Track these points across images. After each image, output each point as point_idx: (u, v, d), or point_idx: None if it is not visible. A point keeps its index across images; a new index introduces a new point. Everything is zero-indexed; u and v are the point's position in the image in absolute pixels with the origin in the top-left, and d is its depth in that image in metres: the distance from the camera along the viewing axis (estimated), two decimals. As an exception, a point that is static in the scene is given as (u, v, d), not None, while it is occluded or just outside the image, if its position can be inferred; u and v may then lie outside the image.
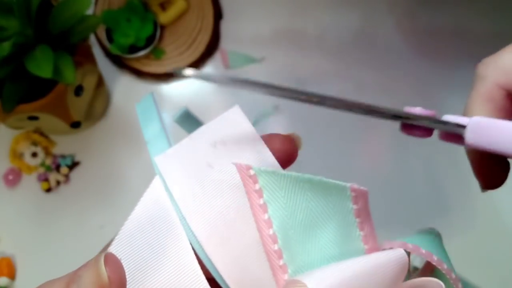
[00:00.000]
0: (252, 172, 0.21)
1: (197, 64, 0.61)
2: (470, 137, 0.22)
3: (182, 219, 0.23)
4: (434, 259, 0.23)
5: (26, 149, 0.58)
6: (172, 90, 0.62)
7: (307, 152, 0.56)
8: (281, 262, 0.21)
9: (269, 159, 0.24)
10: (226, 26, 0.63)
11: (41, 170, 0.59)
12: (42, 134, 0.59)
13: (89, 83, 0.53)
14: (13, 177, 0.58)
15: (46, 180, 0.58)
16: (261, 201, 0.22)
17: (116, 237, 0.23)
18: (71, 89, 0.51)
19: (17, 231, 0.58)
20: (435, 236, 0.26)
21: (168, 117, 0.61)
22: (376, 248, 0.24)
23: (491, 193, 0.57)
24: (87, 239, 0.57)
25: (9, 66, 0.45)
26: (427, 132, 0.24)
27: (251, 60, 0.62)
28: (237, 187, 0.23)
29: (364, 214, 0.23)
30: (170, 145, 0.26)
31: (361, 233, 0.23)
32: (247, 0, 0.64)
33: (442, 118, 0.24)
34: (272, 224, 0.21)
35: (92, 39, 0.60)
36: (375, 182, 0.58)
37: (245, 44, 0.63)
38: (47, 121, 0.52)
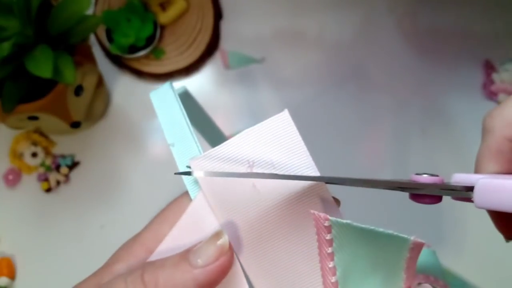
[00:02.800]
0: (327, 223, 0.22)
1: (197, 64, 0.61)
2: (479, 200, 0.22)
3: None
4: (440, 283, 0.25)
5: (26, 149, 0.58)
6: (172, 90, 0.62)
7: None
8: None
9: (327, 201, 0.24)
10: (226, 26, 0.63)
11: (41, 170, 0.59)
12: (42, 134, 0.59)
13: (89, 83, 0.53)
14: (13, 177, 0.58)
15: (46, 180, 0.58)
16: (330, 250, 0.23)
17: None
18: (71, 89, 0.51)
19: (17, 231, 0.58)
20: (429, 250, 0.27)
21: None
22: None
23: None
24: (87, 239, 0.57)
25: (9, 66, 0.45)
26: (436, 198, 0.24)
27: (251, 60, 0.62)
28: (281, 211, 0.23)
29: (412, 264, 0.24)
30: (198, 148, 0.24)
31: (404, 276, 0.24)
32: (247, 0, 0.64)
33: (452, 177, 0.24)
34: (336, 272, 0.23)
35: (92, 39, 0.60)
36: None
37: (245, 44, 0.63)
38: (47, 121, 0.52)
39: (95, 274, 0.25)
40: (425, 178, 0.23)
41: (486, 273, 0.55)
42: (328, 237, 0.23)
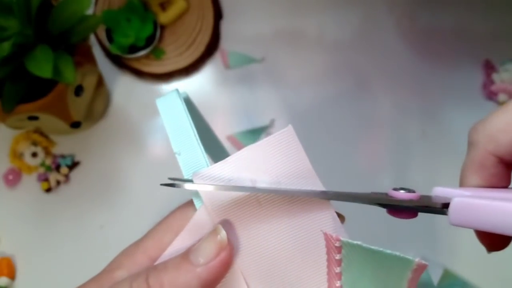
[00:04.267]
0: (338, 243, 0.23)
1: (197, 64, 0.61)
2: (453, 219, 0.23)
3: None
4: None
5: (26, 149, 0.58)
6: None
7: (308, 155, 0.55)
8: None
9: (330, 216, 0.24)
10: (226, 26, 0.63)
11: (41, 170, 0.59)
12: (42, 134, 0.59)
13: (89, 83, 0.53)
14: (13, 177, 0.58)
15: (46, 180, 0.58)
16: (338, 270, 0.23)
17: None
18: (71, 89, 0.51)
19: (17, 231, 0.58)
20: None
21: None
22: None
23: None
24: (87, 239, 0.57)
25: (9, 66, 0.45)
26: (413, 214, 0.24)
27: (251, 60, 0.62)
28: (287, 225, 0.24)
29: (414, 282, 0.24)
30: (205, 158, 0.24)
31: None
32: (247, 0, 0.64)
33: (433, 190, 0.25)
34: None
35: (92, 39, 0.60)
36: (375, 183, 0.58)
37: (245, 44, 0.62)
38: (47, 121, 0.52)
39: (94, 279, 0.25)
40: (401, 194, 0.23)
41: (486, 274, 0.55)
42: (337, 257, 0.23)
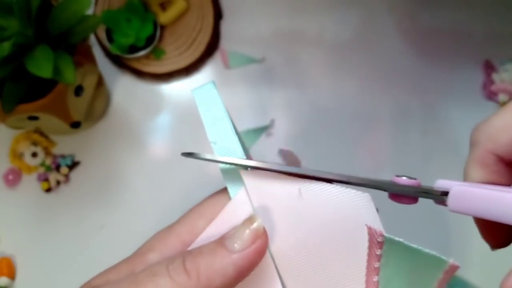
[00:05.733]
0: (381, 239, 0.24)
1: (197, 64, 0.61)
2: (452, 205, 0.24)
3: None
4: None
5: (26, 149, 0.58)
6: (172, 90, 0.62)
7: (308, 155, 0.56)
8: None
9: (371, 210, 0.25)
10: (226, 26, 0.63)
11: (41, 170, 0.59)
12: (42, 134, 0.59)
13: (89, 83, 0.53)
14: (13, 177, 0.58)
15: (46, 180, 0.58)
16: (377, 265, 0.24)
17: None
18: (71, 89, 0.51)
19: (17, 231, 0.58)
20: None
21: (169, 117, 0.61)
22: None
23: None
24: (87, 239, 0.57)
25: (9, 66, 0.45)
26: (413, 199, 0.26)
27: (251, 60, 0.62)
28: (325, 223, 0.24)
29: (444, 282, 0.25)
30: (240, 148, 0.25)
31: None
32: (247, 0, 0.64)
33: (435, 182, 0.26)
34: (378, 286, 0.24)
35: (92, 39, 0.60)
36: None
37: (245, 44, 0.62)
38: (47, 121, 0.52)
39: (126, 261, 0.26)
40: (404, 180, 0.25)
41: (485, 273, 0.55)
42: (378, 252, 0.24)
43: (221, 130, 0.25)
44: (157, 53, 0.60)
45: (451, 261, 0.23)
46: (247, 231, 0.23)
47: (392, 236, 0.23)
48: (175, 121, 0.60)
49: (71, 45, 0.49)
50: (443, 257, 0.22)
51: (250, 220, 0.23)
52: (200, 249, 0.23)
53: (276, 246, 0.24)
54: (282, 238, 0.24)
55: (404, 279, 0.24)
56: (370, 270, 0.24)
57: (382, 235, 0.23)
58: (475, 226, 0.28)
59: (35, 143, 0.58)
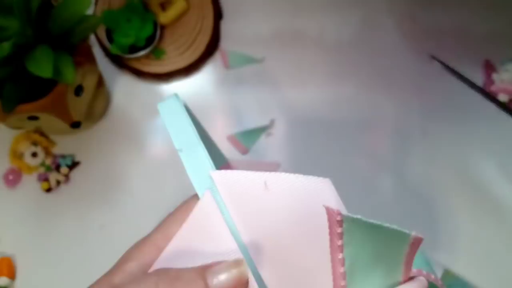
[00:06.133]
0: (339, 217, 0.24)
1: (197, 64, 0.61)
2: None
3: (237, 238, 0.25)
4: (431, 277, 0.27)
5: (26, 149, 0.58)
6: (172, 90, 0.62)
7: (308, 155, 0.56)
8: None
9: (332, 194, 0.26)
10: (226, 26, 0.63)
11: (41, 170, 0.59)
12: (42, 134, 0.59)
13: (89, 83, 0.53)
14: (13, 177, 0.58)
15: (46, 180, 0.58)
16: (340, 243, 0.24)
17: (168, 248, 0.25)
18: (71, 89, 0.51)
19: (17, 231, 0.58)
20: None
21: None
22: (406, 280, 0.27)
23: (494, 190, 0.57)
24: (87, 239, 0.57)
25: (9, 66, 0.45)
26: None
27: (251, 60, 0.62)
28: (294, 212, 0.25)
29: (411, 258, 0.26)
30: (205, 153, 0.26)
31: (403, 270, 0.26)
32: (247, 0, 0.64)
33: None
34: (344, 263, 0.24)
35: (92, 39, 0.60)
36: (375, 183, 0.58)
37: (245, 44, 0.63)
38: (47, 121, 0.52)
39: (106, 274, 0.25)
40: None
41: (485, 273, 0.55)
42: (339, 230, 0.24)
43: (185, 138, 0.26)
44: (157, 53, 0.60)
45: (413, 233, 0.24)
46: (231, 274, 0.23)
47: (350, 214, 0.24)
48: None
49: (71, 45, 0.49)
50: (405, 231, 0.23)
51: (237, 264, 0.23)
52: (178, 273, 0.23)
53: (248, 239, 0.25)
54: (252, 231, 0.25)
55: (370, 254, 0.25)
56: (334, 248, 0.24)
57: (340, 214, 0.24)
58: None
59: (35, 143, 0.59)
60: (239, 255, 0.24)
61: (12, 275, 0.56)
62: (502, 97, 0.60)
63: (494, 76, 0.60)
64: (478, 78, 0.61)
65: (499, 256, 0.56)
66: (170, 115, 0.27)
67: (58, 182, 0.58)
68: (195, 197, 0.26)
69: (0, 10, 0.45)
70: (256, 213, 0.25)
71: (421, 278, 0.25)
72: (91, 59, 0.52)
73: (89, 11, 0.57)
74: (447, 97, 0.61)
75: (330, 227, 0.24)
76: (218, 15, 0.62)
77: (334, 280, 0.24)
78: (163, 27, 0.60)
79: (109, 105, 0.61)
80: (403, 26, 0.63)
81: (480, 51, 0.62)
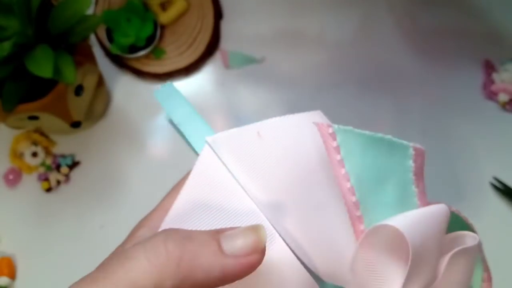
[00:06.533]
0: (331, 130, 0.23)
1: (197, 64, 0.61)
2: None
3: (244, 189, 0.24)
4: (453, 208, 0.26)
5: (26, 149, 0.58)
6: (172, 90, 0.62)
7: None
8: (358, 213, 0.23)
9: (319, 117, 0.25)
10: (226, 26, 0.63)
11: (41, 170, 0.59)
12: (42, 134, 0.59)
13: (89, 83, 0.53)
14: (13, 177, 0.58)
15: (46, 180, 0.58)
16: (339, 157, 0.23)
17: (176, 202, 0.24)
18: (71, 89, 0.51)
19: (17, 231, 0.58)
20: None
21: (166, 119, 0.61)
22: (426, 204, 0.26)
23: (494, 189, 0.57)
24: (87, 239, 0.57)
25: (9, 66, 0.45)
26: None
27: (251, 60, 0.62)
28: (288, 153, 0.24)
29: (420, 172, 0.25)
30: (204, 123, 0.26)
31: (416, 190, 0.25)
32: (247, 0, 0.64)
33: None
34: (350, 178, 0.23)
35: (92, 39, 0.60)
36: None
37: (245, 44, 0.62)
38: (47, 121, 0.52)
39: (119, 245, 0.25)
40: None
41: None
42: (334, 144, 0.23)
43: (183, 113, 0.26)
44: (157, 53, 0.60)
45: (411, 144, 0.24)
46: (248, 240, 0.20)
47: (340, 126, 0.23)
48: (175, 121, 0.60)
49: (71, 45, 0.49)
50: (403, 141, 0.23)
51: (254, 229, 0.21)
52: (190, 234, 0.21)
53: (254, 191, 0.24)
54: (257, 182, 0.23)
55: (374, 169, 0.24)
56: (335, 164, 0.24)
57: (330, 126, 0.23)
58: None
59: (35, 143, 0.59)
60: (251, 206, 0.23)
61: (12, 275, 0.56)
62: (502, 97, 0.60)
63: (494, 76, 0.60)
64: (478, 78, 0.61)
65: (500, 256, 0.56)
66: (166, 96, 0.27)
67: (58, 182, 0.59)
68: None
69: (0, 10, 0.45)
70: (255, 163, 0.24)
71: (443, 205, 0.24)
72: (91, 59, 0.52)
73: (89, 11, 0.57)
74: (447, 97, 0.61)
75: (325, 143, 0.23)
76: (218, 15, 0.62)
77: (344, 196, 0.23)
78: (163, 27, 0.60)
79: (109, 105, 0.61)
80: (403, 26, 0.63)
81: (480, 51, 0.62)
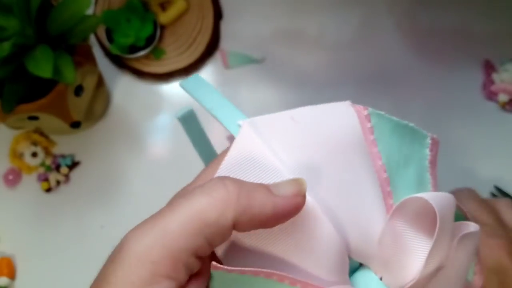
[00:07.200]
0: (366, 112, 0.26)
1: (197, 64, 0.61)
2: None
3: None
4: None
5: (26, 149, 0.58)
6: (172, 90, 0.62)
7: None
8: (389, 189, 0.26)
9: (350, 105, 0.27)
10: (226, 26, 0.63)
11: (41, 170, 0.59)
12: (42, 134, 0.59)
13: (89, 83, 0.53)
14: (13, 177, 0.58)
15: (46, 180, 0.58)
16: (372, 137, 0.26)
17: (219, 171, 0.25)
18: (71, 89, 0.51)
19: (17, 231, 0.58)
20: None
21: (169, 117, 0.61)
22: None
23: (493, 190, 0.56)
24: (87, 239, 0.57)
25: (9, 66, 0.45)
26: None
27: (251, 60, 0.62)
28: (324, 138, 0.25)
29: (434, 161, 0.27)
30: (235, 108, 0.26)
31: (430, 177, 0.27)
32: (247, 0, 0.64)
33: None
34: (381, 157, 0.26)
35: (92, 39, 0.60)
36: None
37: (245, 44, 0.62)
38: (47, 121, 0.52)
39: (175, 196, 0.26)
40: None
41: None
42: (369, 125, 0.26)
43: (213, 99, 0.27)
44: (157, 53, 0.60)
45: (429, 134, 0.26)
46: (291, 186, 0.23)
47: (375, 110, 0.25)
48: (175, 121, 0.60)
49: (71, 45, 0.49)
50: (423, 130, 0.25)
51: (295, 179, 0.23)
52: (240, 179, 0.23)
53: (290, 170, 0.24)
54: (294, 162, 0.24)
55: (399, 153, 0.26)
56: (369, 143, 0.26)
57: (366, 109, 0.26)
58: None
59: (35, 143, 0.58)
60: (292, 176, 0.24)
61: (12, 275, 0.56)
62: (502, 97, 0.60)
63: (494, 76, 0.60)
64: (478, 78, 0.61)
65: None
66: (194, 86, 0.28)
67: (58, 182, 0.58)
68: None
69: (0, 10, 0.45)
70: (292, 142, 0.25)
71: (450, 195, 0.25)
72: (91, 59, 0.52)
73: (89, 11, 0.57)
74: (446, 97, 0.61)
75: (362, 124, 0.26)
76: (218, 15, 0.62)
77: (377, 172, 0.25)
78: (163, 27, 0.60)
79: (109, 105, 0.61)
80: (403, 26, 0.63)
81: (480, 51, 0.62)
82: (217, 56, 0.62)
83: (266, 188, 0.22)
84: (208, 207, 0.21)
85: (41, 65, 0.44)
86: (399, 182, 0.26)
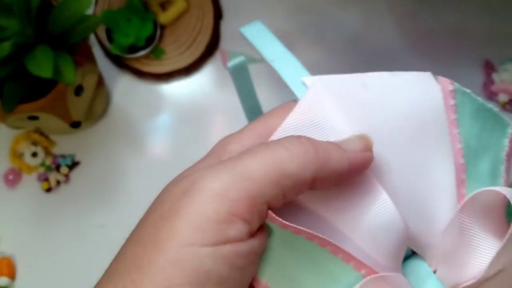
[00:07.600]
0: (452, 87, 0.23)
1: (197, 64, 0.61)
2: None
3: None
4: None
5: (26, 149, 0.58)
6: (172, 90, 0.62)
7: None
8: (463, 176, 0.23)
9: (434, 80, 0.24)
10: (226, 26, 0.63)
11: (41, 170, 0.59)
12: (42, 134, 0.59)
13: (89, 83, 0.53)
14: (13, 177, 0.58)
15: (46, 180, 0.58)
16: (453, 117, 0.23)
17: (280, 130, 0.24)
18: (71, 89, 0.51)
19: (17, 231, 0.58)
20: None
21: (169, 117, 0.61)
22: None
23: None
24: (87, 239, 0.57)
25: (9, 66, 0.45)
26: None
27: (251, 60, 0.62)
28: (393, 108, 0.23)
29: (510, 155, 0.25)
30: (297, 61, 0.26)
31: (504, 170, 0.25)
32: (247, 0, 0.64)
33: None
34: (460, 140, 0.23)
35: (92, 39, 0.60)
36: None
37: (245, 44, 0.62)
38: (47, 121, 0.52)
39: (208, 155, 0.25)
40: None
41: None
42: (452, 102, 0.23)
43: (275, 51, 0.26)
44: (157, 53, 0.60)
45: None
46: (359, 142, 0.22)
47: (460, 86, 0.23)
48: (175, 121, 0.60)
49: (71, 45, 0.49)
50: (506, 118, 0.22)
51: (361, 135, 0.23)
52: (312, 138, 0.22)
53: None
54: (360, 128, 0.23)
55: (478, 139, 0.24)
56: (450, 122, 0.23)
57: (452, 83, 0.23)
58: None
59: (35, 143, 0.58)
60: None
61: (12, 275, 0.56)
62: (502, 97, 0.60)
63: (494, 76, 0.60)
64: (478, 78, 0.61)
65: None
66: (255, 33, 0.26)
67: (58, 182, 0.58)
68: (295, 102, 0.25)
69: (0, 10, 0.45)
70: (360, 112, 0.23)
71: None
72: (91, 59, 0.52)
73: (89, 11, 0.57)
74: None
75: (445, 98, 0.23)
76: (218, 15, 0.62)
77: (455, 156, 0.23)
78: (163, 27, 0.60)
79: (109, 105, 0.61)
80: (403, 26, 0.63)
81: (480, 51, 0.62)
82: (217, 56, 0.62)
83: (337, 145, 0.22)
84: (288, 159, 0.21)
85: (41, 65, 0.44)
86: (473, 171, 0.24)
